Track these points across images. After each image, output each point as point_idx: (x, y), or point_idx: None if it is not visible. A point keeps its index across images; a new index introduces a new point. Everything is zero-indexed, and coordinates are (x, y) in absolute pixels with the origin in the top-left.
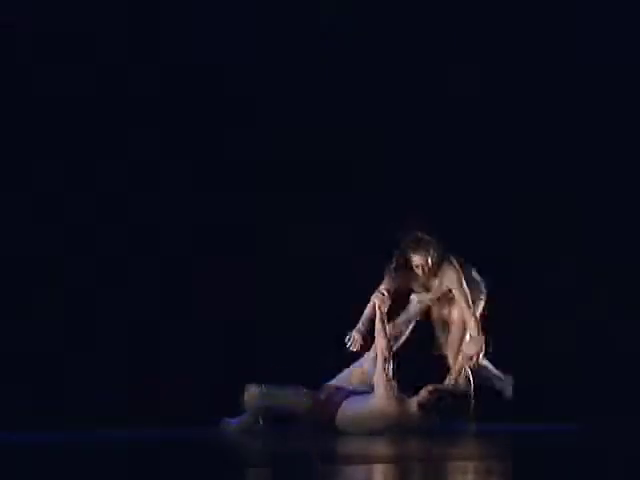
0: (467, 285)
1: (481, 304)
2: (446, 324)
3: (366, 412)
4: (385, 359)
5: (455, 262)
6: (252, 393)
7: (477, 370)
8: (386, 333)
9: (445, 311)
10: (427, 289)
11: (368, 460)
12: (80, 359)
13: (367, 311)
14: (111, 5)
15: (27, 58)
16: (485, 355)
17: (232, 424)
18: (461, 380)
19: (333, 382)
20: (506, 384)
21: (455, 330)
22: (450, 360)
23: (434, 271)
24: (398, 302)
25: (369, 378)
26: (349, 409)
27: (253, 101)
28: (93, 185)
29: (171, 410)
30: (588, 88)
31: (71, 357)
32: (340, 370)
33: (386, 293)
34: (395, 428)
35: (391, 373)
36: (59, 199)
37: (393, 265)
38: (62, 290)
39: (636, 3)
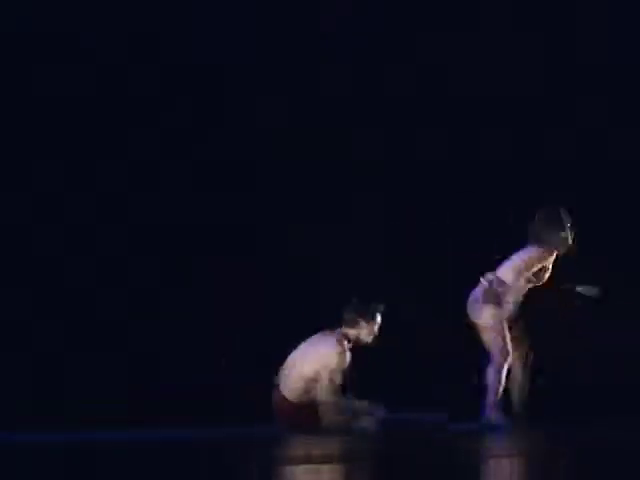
0: None
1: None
2: None
3: None
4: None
5: None
6: None
7: None
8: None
9: None
10: None
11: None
12: (80, 359)
13: None
14: (112, 5)
15: (27, 58)
16: None
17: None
18: None
19: None
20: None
21: None
22: None
23: None
24: None
25: None
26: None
27: (253, 101)
28: (93, 185)
29: (171, 411)
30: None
31: (71, 357)
32: None
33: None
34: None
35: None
36: (59, 199)
37: None
38: (63, 290)
39: None
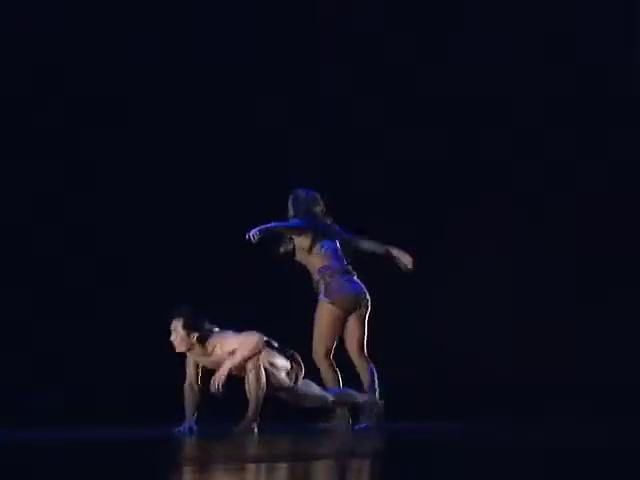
0: None
1: None
2: None
3: None
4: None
5: None
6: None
7: None
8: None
9: None
10: None
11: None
12: (80, 357)
13: None
14: (112, 6)
15: (27, 58)
16: None
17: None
18: None
19: None
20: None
21: None
22: None
23: None
24: None
25: None
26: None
27: (253, 100)
28: (93, 185)
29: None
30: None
31: (71, 355)
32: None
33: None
34: None
35: None
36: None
37: None
38: (62, 290)
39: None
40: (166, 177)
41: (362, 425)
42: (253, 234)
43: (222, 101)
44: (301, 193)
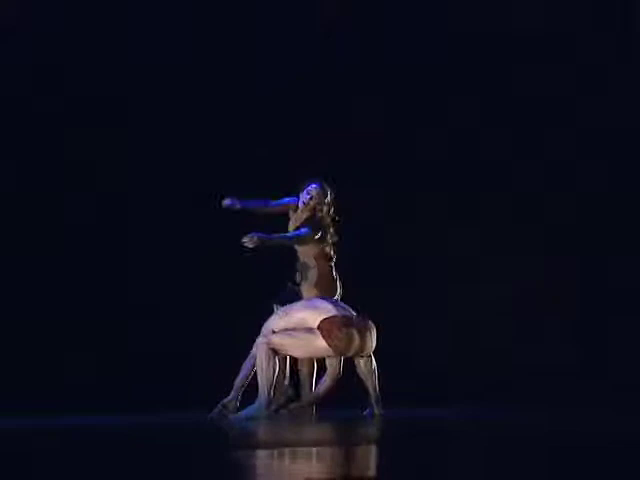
0: None
1: None
2: None
3: None
4: None
5: None
6: None
7: None
8: None
9: None
10: None
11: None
12: (80, 355)
13: None
14: (112, 6)
15: (27, 58)
16: None
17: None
18: None
19: None
20: None
21: None
22: None
23: None
24: None
25: None
26: None
27: (253, 101)
28: (93, 186)
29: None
30: None
31: (70, 354)
32: None
33: None
34: None
35: None
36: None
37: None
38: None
39: None
40: (166, 177)
41: (367, 411)
42: (255, 242)
43: (222, 101)
44: (312, 189)
